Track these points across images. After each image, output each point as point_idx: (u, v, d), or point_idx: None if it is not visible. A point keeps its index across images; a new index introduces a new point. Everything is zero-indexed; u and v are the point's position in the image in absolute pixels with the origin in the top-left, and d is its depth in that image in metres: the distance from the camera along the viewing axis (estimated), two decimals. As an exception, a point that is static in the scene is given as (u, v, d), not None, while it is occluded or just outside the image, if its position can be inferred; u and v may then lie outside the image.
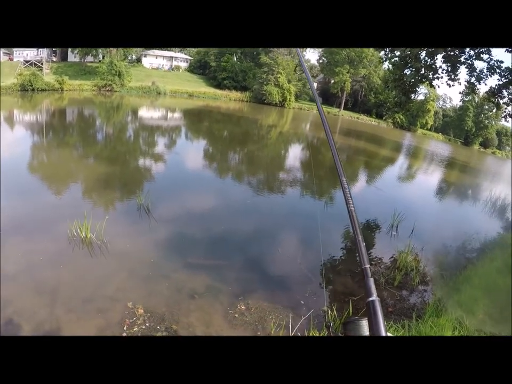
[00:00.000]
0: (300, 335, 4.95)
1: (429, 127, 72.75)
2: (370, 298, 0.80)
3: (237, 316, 5.43)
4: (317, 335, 4.78)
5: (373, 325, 0.76)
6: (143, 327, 4.87)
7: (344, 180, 1.00)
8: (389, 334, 0.77)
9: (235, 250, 7.70)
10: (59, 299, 5.16)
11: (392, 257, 8.49)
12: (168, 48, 59.64)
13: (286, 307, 5.84)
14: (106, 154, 14.31)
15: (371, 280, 0.84)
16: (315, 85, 66.45)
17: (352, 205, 0.94)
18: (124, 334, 4.66)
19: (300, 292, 6.41)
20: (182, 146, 19.37)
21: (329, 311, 5.61)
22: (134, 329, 4.79)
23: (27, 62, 36.07)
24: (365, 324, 0.82)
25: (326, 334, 4.68)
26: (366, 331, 0.81)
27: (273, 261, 7.54)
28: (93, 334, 4.61)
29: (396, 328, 5.19)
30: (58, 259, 6.13)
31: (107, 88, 35.50)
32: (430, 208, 16.01)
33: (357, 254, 0.87)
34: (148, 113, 30.31)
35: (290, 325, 5.16)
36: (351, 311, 5.51)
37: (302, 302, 6.11)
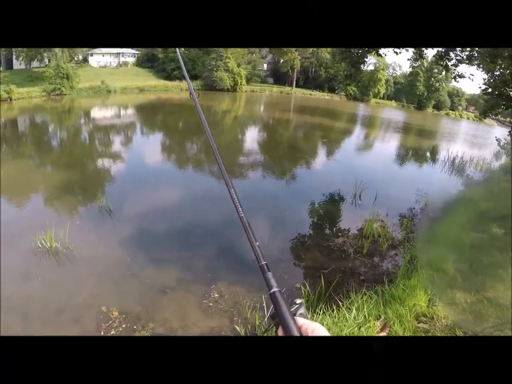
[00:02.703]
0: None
1: (382, 96, 73.93)
2: (272, 291, 0.84)
3: (211, 304, 5.45)
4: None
5: (278, 314, 0.80)
6: (120, 329, 4.82)
7: (233, 190, 1.05)
8: (297, 319, 0.82)
9: (202, 239, 7.65)
10: (32, 314, 5.00)
11: (358, 226, 8.65)
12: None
13: (258, 289, 5.84)
14: (63, 160, 13.81)
15: (270, 274, 0.88)
16: (265, 66, 66.28)
17: (242, 212, 1.00)
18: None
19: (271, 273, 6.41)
20: (139, 142, 19.01)
21: (302, 287, 5.68)
22: (111, 333, 4.72)
23: (-30, 75, 34.28)
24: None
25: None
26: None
27: (241, 245, 7.47)
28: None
29: (369, 295, 5.29)
30: (26, 273, 5.91)
31: (56, 92, 34.03)
32: (390, 174, 16.40)
33: (253, 253, 0.94)
34: (100, 113, 29.53)
35: (265, 306, 5.20)
36: (323, 284, 5.59)
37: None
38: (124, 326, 4.88)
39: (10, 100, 29.29)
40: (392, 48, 13.39)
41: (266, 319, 4.95)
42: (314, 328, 0.79)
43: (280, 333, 0.81)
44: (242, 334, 4.71)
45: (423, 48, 13.56)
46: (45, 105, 29.50)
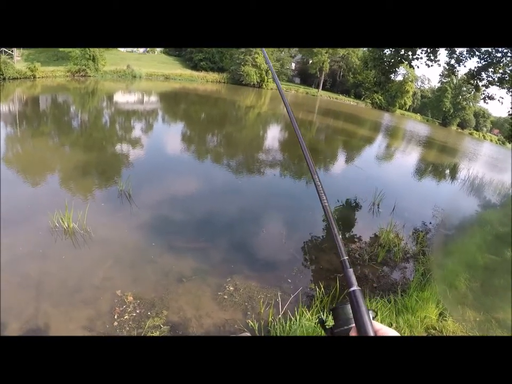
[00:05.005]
0: (289, 313, 5.04)
1: (407, 108, 73.73)
2: (352, 289, 0.80)
3: (226, 297, 5.48)
4: (307, 312, 4.86)
5: (356, 315, 0.76)
6: (134, 314, 4.86)
7: (317, 177, 1.03)
8: (374, 322, 0.77)
9: (219, 232, 7.69)
10: (46, 293, 5.07)
11: (375, 234, 8.67)
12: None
13: (274, 286, 5.94)
14: (83, 141, 13.88)
15: (351, 271, 0.84)
16: (293, 65, 66.28)
17: (326, 201, 0.98)
18: (115, 323, 4.65)
19: (286, 271, 6.50)
20: (160, 130, 19.09)
21: (316, 288, 5.70)
22: (125, 317, 4.77)
23: (-4, 50, 34.64)
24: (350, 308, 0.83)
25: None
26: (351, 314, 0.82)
27: (259, 241, 7.61)
28: (84, 325, 4.58)
29: (383, 303, 5.34)
30: (42, 251, 5.97)
31: (81, 74, 34.25)
32: (409, 186, 16.32)
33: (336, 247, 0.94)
34: (123, 98, 29.63)
35: (280, 304, 5.25)
36: (338, 287, 5.62)
37: (289, 281, 6.21)
38: (137, 311, 4.92)
39: (34, 77, 29.55)
40: (425, 61, 13.39)
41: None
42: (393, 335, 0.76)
43: (354, 334, 0.77)
44: (256, 328, 4.74)
45: (455, 65, 13.54)
46: (69, 86, 29.76)
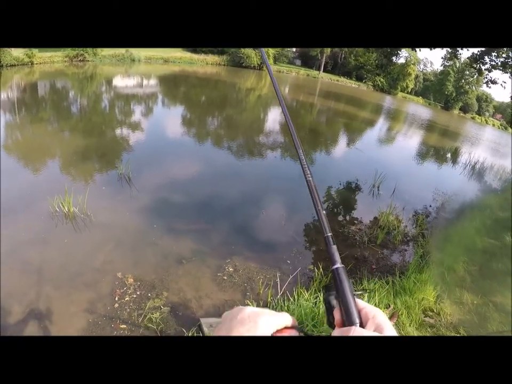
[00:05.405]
0: (288, 293, 5.09)
1: (409, 91, 73.25)
2: (335, 266, 0.78)
3: (225, 278, 5.54)
4: (305, 293, 4.90)
5: (339, 292, 0.75)
6: (134, 295, 4.92)
7: (301, 151, 1.01)
8: (358, 301, 0.76)
9: (219, 214, 7.73)
10: (47, 276, 5.10)
11: (374, 217, 8.69)
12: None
13: (273, 267, 5.99)
14: (82, 126, 13.76)
15: (334, 248, 0.82)
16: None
17: (309, 175, 0.95)
18: (116, 305, 4.70)
19: (285, 252, 6.56)
20: (160, 114, 18.95)
21: (315, 269, 5.74)
22: (126, 299, 4.83)
23: (-8, 38, 33.86)
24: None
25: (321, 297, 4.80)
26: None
27: (258, 223, 7.68)
28: (85, 307, 4.63)
29: (381, 284, 5.38)
30: (43, 236, 5.99)
31: (79, 58, 33.68)
32: (410, 169, 16.29)
33: (319, 223, 0.89)
34: (122, 82, 29.25)
35: (278, 284, 5.28)
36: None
37: (288, 262, 6.27)
38: (138, 293, 4.98)
39: (32, 64, 29.14)
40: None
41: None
42: (376, 314, 0.74)
43: (337, 315, 0.75)
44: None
45: (457, 48, 13.42)
46: (67, 71, 29.33)
